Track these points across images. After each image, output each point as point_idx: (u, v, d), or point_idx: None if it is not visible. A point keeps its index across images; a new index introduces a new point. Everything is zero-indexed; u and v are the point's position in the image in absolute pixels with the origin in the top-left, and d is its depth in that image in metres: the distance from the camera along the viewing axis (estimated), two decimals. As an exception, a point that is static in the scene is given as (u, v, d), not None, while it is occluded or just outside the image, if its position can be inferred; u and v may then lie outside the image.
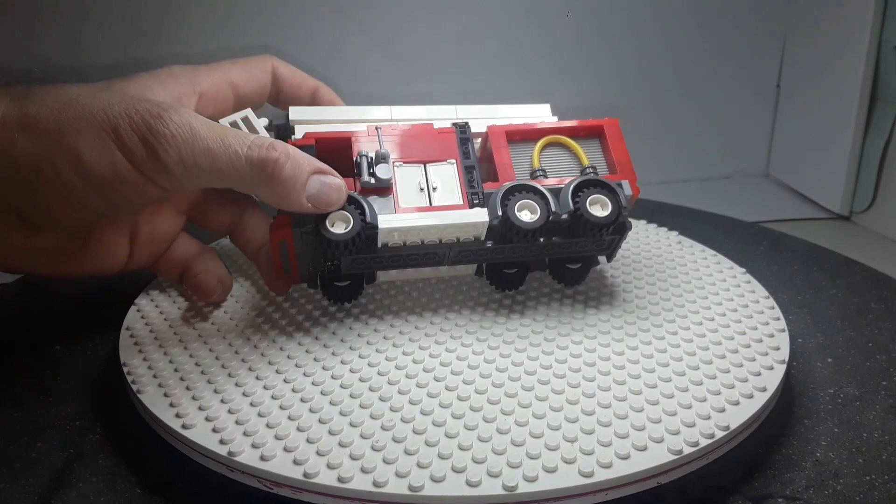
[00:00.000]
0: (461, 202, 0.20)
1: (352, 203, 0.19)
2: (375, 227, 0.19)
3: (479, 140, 0.23)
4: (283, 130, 0.21)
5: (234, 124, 0.20)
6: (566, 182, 0.21)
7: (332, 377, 0.19)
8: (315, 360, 0.20)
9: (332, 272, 0.21)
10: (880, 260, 0.30)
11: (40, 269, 0.20)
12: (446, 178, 0.21)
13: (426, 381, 0.18)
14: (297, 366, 0.19)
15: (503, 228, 0.20)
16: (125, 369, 0.19)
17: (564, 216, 0.20)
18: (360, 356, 0.20)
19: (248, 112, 0.21)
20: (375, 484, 0.15)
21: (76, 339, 0.24)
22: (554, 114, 0.24)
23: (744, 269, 0.26)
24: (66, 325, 0.25)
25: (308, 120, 0.22)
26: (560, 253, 0.22)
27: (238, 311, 0.23)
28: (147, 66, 0.20)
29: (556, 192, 0.21)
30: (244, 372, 0.19)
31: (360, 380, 0.19)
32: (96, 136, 0.16)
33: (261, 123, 0.21)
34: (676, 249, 0.27)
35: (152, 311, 0.23)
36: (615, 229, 0.21)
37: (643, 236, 0.28)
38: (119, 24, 0.38)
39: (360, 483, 0.15)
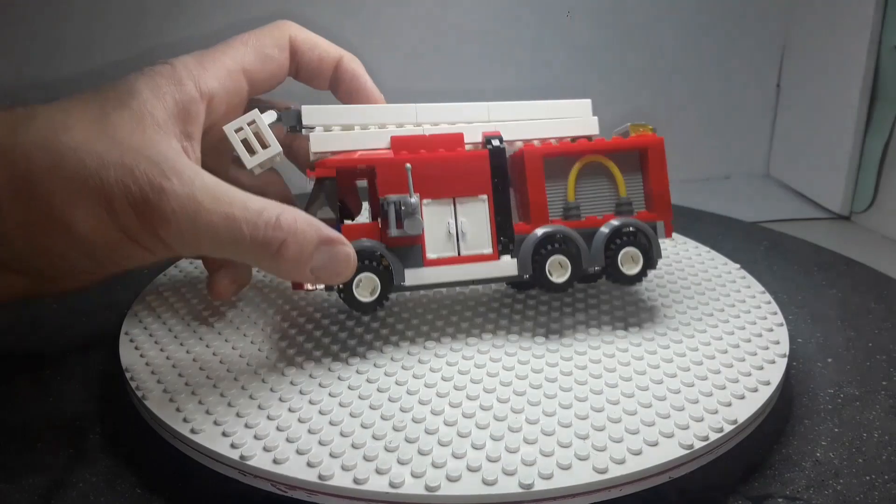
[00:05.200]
0: (491, 250, 0.20)
1: (377, 259, 0.19)
2: (402, 283, 0.19)
3: (513, 148, 0.21)
4: (294, 128, 0.20)
5: (239, 131, 0.18)
6: (600, 225, 0.20)
7: (339, 378, 0.19)
8: (320, 361, 0.19)
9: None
10: (880, 260, 0.31)
11: (41, 291, 0.19)
12: (476, 218, 0.20)
13: (434, 381, 0.18)
14: (302, 368, 0.19)
15: (534, 282, 0.20)
16: (127, 375, 0.19)
17: (596, 269, 0.20)
18: (365, 357, 0.20)
19: (255, 115, 0.19)
20: (392, 485, 0.15)
21: (76, 339, 0.24)
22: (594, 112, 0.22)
23: (738, 265, 0.26)
24: (67, 325, 0.25)
25: (323, 123, 0.20)
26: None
27: (239, 313, 0.22)
28: (143, 59, 0.18)
29: (589, 234, 0.20)
30: (248, 375, 0.19)
31: (368, 381, 0.18)
32: (90, 206, 0.15)
33: (269, 130, 0.19)
34: (670, 245, 0.27)
35: (153, 311, 0.22)
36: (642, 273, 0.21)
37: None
38: (119, 19, 0.37)
39: (377, 484, 0.15)
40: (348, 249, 0.18)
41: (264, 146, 0.19)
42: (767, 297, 0.23)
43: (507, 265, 0.20)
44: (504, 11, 0.42)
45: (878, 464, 0.18)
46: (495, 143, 0.20)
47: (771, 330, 0.21)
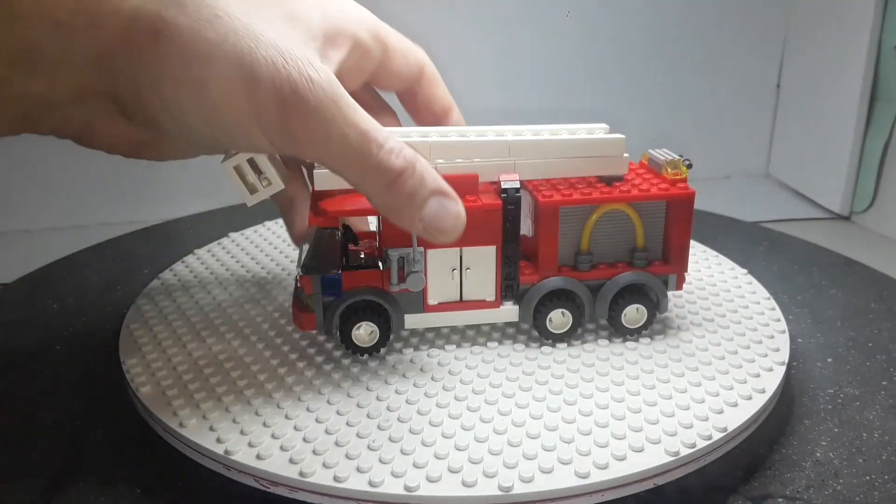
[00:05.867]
0: (493, 297, 0.19)
1: (377, 310, 0.19)
2: (401, 328, 0.19)
3: (529, 186, 0.20)
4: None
5: (237, 168, 0.17)
6: (610, 277, 0.20)
7: (330, 377, 0.19)
8: (311, 359, 0.20)
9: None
10: (880, 260, 0.30)
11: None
12: (482, 263, 0.19)
13: (423, 382, 0.18)
14: (294, 365, 0.19)
15: (533, 328, 0.20)
16: (124, 368, 0.19)
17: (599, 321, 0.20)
18: (358, 357, 0.20)
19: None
20: (371, 483, 0.15)
21: (76, 339, 0.24)
22: (605, 129, 0.20)
23: (745, 270, 0.26)
24: (67, 325, 0.25)
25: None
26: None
27: (238, 311, 0.23)
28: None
29: (596, 287, 0.20)
30: (242, 371, 0.19)
31: (358, 379, 0.19)
32: (231, 76, 0.14)
33: (270, 166, 0.18)
34: None
35: (153, 310, 0.23)
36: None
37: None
38: None
39: (356, 483, 0.15)
40: (461, 208, 0.17)
41: (265, 182, 0.18)
42: (772, 303, 0.23)
43: (509, 312, 0.20)
44: (503, 18, 0.42)
45: (878, 464, 0.18)
46: (511, 191, 0.19)
47: (772, 337, 0.21)
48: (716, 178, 0.46)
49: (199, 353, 0.20)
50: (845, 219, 0.40)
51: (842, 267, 0.30)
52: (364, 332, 0.19)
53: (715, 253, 0.27)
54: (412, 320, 0.19)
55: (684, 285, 0.23)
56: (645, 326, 0.21)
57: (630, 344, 0.20)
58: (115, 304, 0.24)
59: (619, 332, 0.21)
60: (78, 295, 0.27)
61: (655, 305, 0.20)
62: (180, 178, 0.40)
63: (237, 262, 0.26)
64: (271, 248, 0.28)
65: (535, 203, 0.20)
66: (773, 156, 0.47)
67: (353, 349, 0.19)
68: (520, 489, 0.15)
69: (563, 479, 0.15)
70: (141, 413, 0.18)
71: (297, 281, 0.20)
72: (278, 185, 0.18)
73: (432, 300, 0.19)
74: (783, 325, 0.22)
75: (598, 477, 0.15)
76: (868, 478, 0.17)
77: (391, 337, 0.20)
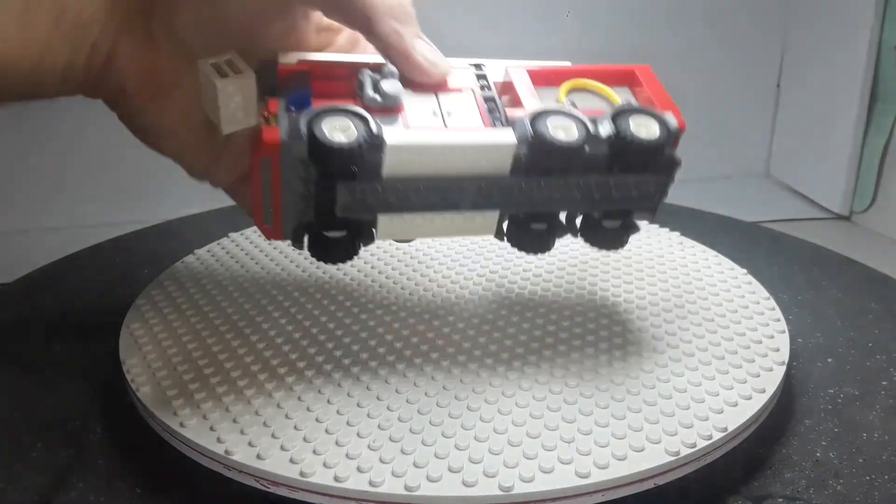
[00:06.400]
0: (481, 124, 0.17)
1: (353, 114, 0.16)
2: (381, 140, 0.15)
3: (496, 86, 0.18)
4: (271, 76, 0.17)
5: (216, 65, 0.16)
6: (602, 112, 0.17)
7: (330, 377, 0.19)
8: (312, 359, 0.20)
9: (322, 218, 0.17)
10: (880, 260, 0.30)
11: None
12: (462, 104, 0.17)
13: (423, 381, 0.18)
14: (294, 365, 0.19)
15: (535, 153, 0.16)
16: (124, 368, 0.19)
17: (606, 136, 0.16)
18: (358, 356, 0.20)
19: (233, 54, 0.17)
20: (371, 483, 0.15)
21: (76, 338, 0.24)
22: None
23: (745, 270, 0.26)
24: (66, 325, 0.25)
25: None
26: (598, 201, 0.18)
27: (238, 311, 0.23)
28: None
29: (592, 121, 0.17)
30: (242, 370, 0.19)
31: (357, 379, 0.19)
32: None
33: (243, 61, 0.17)
34: (678, 250, 0.27)
35: (153, 310, 0.23)
36: (662, 166, 0.17)
37: (644, 237, 0.28)
38: None
39: (356, 483, 0.15)
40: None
41: (237, 70, 0.16)
42: (772, 303, 0.23)
43: (502, 133, 0.16)
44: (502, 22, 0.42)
45: (878, 464, 0.18)
46: (476, 62, 0.18)
47: (772, 337, 0.21)
48: (716, 178, 0.46)
49: (199, 352, 0.20)
50: (845, 219, 0.40)
51: (842, 267, 0.30)
52: (339, 129, 0.15)
53: (714, 253, 0.27)
54: (393, 134, 0.16)
55: (686, 286, 0.24)
56: (662, 148, 0.17)
57: (630, 345, 0.20)
58: (115, 304, 0.24)
59: (631, 154, 0.17)
60: (78, 295, 0.27)
61: (664, 120, 0.17)
62: (180, 177, 0.39)
63: (237, 262, 0.27)
64: (271, 249, 0.28)
65: (503, 80, 0.18)
66: (773, 156, 0.47)
67: (326, 155, 0.15)
68: (520, 489, 0.15)
69: (564, 479, 0.15)
70: (141, 413, 0.18)
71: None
72: (250, 73, 0.16)
73: (414, 124, 0.16)
74: (783, 325, 0.22)
75: (598, 477, 0.15)
76: (868, 478, 0.17)
77: (370, 140, 0.15)
